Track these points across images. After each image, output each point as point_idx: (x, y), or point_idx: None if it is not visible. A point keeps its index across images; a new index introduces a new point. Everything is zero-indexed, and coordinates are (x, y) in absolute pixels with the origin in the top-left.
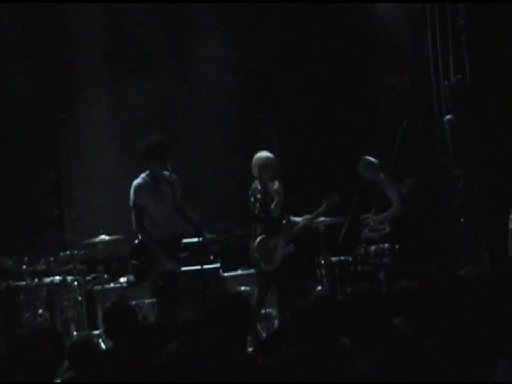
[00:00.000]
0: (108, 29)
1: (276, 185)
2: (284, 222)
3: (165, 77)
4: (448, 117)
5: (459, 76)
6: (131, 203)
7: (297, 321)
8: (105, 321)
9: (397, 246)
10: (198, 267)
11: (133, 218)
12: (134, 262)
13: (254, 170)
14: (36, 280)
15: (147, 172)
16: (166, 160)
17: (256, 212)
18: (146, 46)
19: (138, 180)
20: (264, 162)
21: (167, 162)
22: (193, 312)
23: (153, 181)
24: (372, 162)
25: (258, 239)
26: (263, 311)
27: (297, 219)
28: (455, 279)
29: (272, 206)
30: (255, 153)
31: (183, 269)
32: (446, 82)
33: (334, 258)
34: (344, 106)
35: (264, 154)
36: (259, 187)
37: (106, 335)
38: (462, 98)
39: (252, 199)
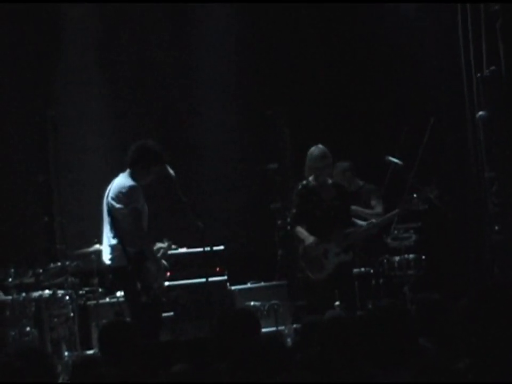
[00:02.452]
0: (101, 19)
1: (331, 182)
2: (338, 225)
3: (165, 69)
4: (480, 113)
5: (493, 68)
6: (128, 206)
7: (310, 341)
8: (101, 340)
9: (423, 257)
10: (203, 280)
11: (132, 223)
12: (140, 275)
13: (306, 168)
14: (23, 294)
15: (129, 173)
16: (151, 173)
17: (299, 213)
18: (143, 36)
19: (130, 181)
20: (313, 157)
21: (153, 177)
22: (197, 330)
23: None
24: (351, 168)
25: (307, 243)
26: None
27: (360, 223)
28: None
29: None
30: (264, 152)
31: (187, 281)
32: (479, 74)
33: (353, 270)
34: (363, 102)
35: (313, 149)
36: (308, 185)
37: (102, 355)
38: (496, 92)
39: (299, 199)
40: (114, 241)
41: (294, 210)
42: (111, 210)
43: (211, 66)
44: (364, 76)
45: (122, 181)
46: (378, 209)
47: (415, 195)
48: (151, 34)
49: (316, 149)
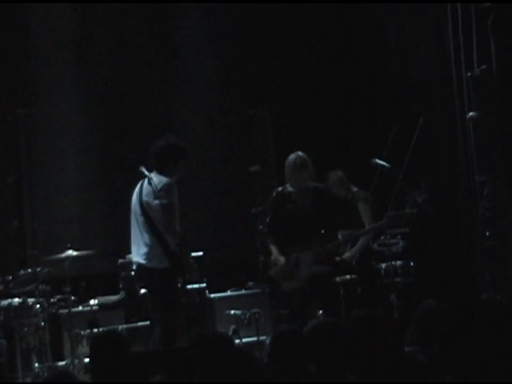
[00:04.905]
0: (74, 16)
1: (310, 187)
2: (316, 234)
3: (143, 68)
4: (471, 114)
5: (484, 67)
6: (168, 201)
7: (290, 352)
8: (93, 351)
9: (412, 264)
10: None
11: (167, 218)
12: (181, 275)
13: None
14: None
15: (160, 173)
16: (179, 170)
17: (273, 223)
18: (120, 34)
19: (166, 178)
20: (290, 166)
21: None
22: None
23: None
24: (342, 177)
25: (277, 264)
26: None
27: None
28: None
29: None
30: (246, 153)
31: None
32: (469, 74)
33: (338, 278)
34: (350, 102)
35: (292, 155)
36: (283, 191)
37: (93, 366)
38: (487, 92)
39: (273, 208)
40: (152, 241)
41: (267, 220)
42: (146, 210)
43: (192, 65)
44: (351, 76)
45: (157, 178)
46: (367, 221)
47: (406, 209)
48: (128, 31)
49: (293, 158)
